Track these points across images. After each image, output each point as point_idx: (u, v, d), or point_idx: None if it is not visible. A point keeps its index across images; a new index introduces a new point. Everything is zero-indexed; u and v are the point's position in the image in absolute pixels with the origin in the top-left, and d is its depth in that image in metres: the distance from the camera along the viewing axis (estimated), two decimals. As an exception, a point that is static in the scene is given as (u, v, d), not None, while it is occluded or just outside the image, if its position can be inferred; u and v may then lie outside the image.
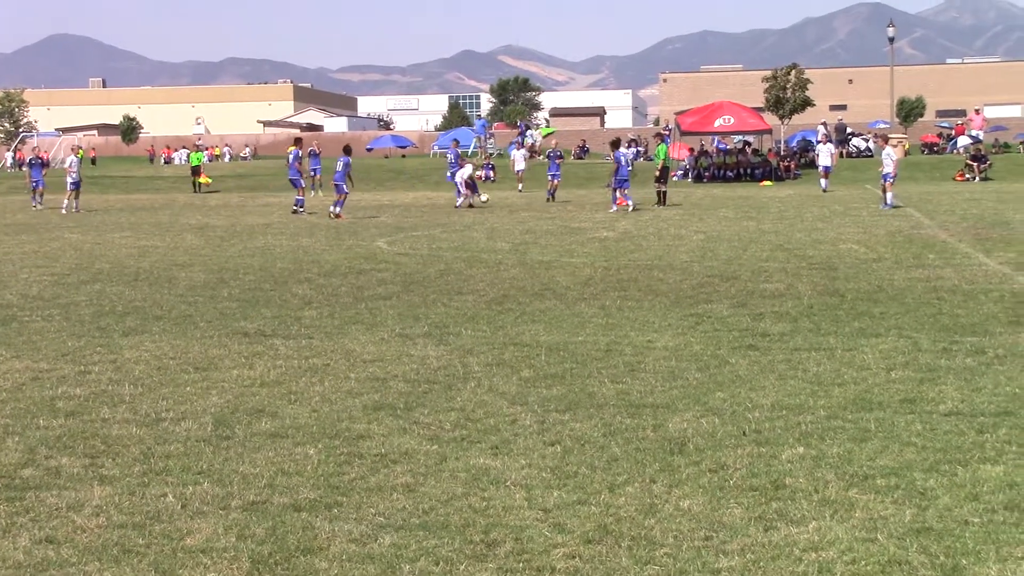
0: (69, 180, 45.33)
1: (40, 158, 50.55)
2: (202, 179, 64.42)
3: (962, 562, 6.57)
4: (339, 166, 38.41)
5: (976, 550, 6.72)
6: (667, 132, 59.13)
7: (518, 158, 58.60)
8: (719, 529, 7.17)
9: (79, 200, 45.41)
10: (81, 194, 45.94)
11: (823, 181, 52.15)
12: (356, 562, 6.72)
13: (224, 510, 7.66)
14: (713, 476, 8.28)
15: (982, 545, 6.80)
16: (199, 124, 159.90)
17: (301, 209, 40.48)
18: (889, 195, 38.80)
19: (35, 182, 47.74)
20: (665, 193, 43.69)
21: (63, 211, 43.78)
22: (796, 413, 10.06)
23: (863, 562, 6.59)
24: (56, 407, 10.66)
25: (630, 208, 39.21)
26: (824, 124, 79.39)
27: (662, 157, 45.68)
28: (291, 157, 42.75)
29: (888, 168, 39.07)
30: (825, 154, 53.91)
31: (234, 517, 7.51)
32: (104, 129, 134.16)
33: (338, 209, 37.41)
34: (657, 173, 44.99)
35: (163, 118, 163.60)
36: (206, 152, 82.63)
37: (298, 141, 45.12)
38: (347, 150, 39.48)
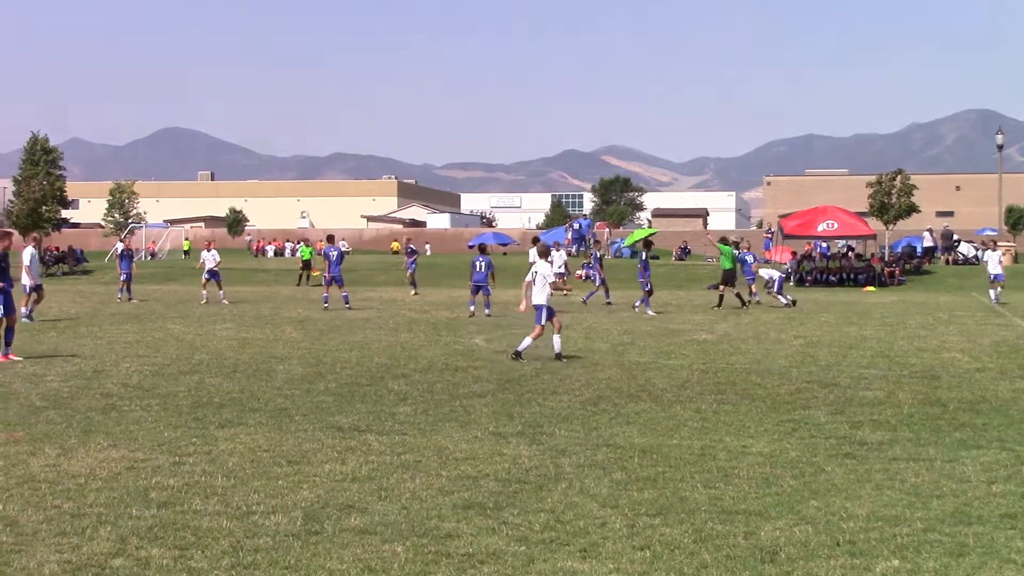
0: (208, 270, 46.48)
1: (129, 250, 50.90)
2: (316, 272, 65.77)
3: None
4: (480, 267, 37.70)
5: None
6: (745, 243, 58.31)
7: (556, 259, 44.80)
8: (809, 643, 7.02)
9: (223, 291, 46.24)
10: (195, 286, 46.60)
11: (991, 292, 46.99)
12: (438, 664, 6.66)
13: (309, 606, 7.64)
14: (805, 587, 8.12)
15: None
16: (304, 218, 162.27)
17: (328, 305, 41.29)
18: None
19: (123, 274, 47.92)
20: (723, 296, 42.29)
21: (203, 302, 44.84)
22: (892, 524, 9.86)
23: None
24: (149, 497, 10.75)
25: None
26: (930, 230, 78.69)
27: (727, 259, 43.12)
28: (336, 254, 42.98)
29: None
30: (994, 262, 47.58)
31: (318, 614, 7.49)
32: (211, 221, 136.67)
33: (475, 308, 37.46)
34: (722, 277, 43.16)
35: (269, 211, 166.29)
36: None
37: (331, 238, 45.18)
38: (483, 249, 39.60)
